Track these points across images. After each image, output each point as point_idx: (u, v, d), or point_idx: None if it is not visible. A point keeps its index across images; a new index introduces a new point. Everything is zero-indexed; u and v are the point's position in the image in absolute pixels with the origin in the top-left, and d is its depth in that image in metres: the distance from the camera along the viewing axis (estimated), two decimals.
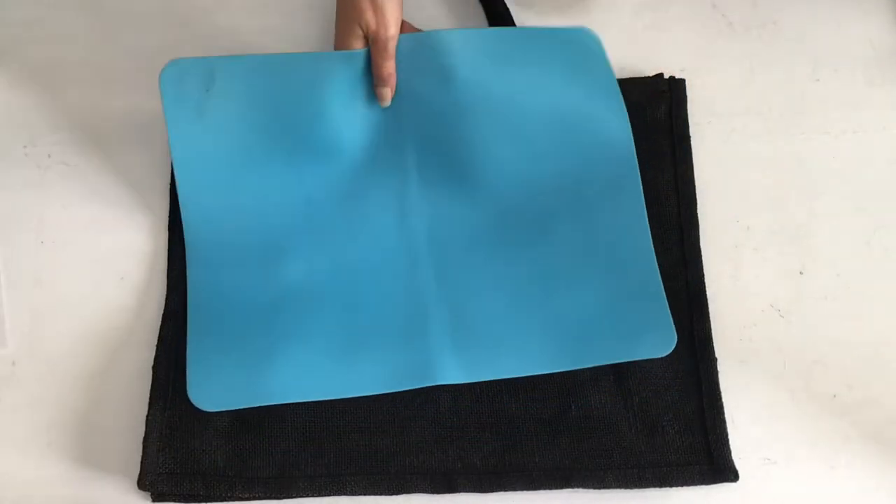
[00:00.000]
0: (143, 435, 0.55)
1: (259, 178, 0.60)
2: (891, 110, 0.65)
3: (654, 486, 0.55)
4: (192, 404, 0.55)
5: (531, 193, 0.60)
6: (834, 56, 0.67)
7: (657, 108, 0.63)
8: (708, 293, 0.59)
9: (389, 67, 0.58)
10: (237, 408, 0.55)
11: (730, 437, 0.56)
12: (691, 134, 0.63)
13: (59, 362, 0.59)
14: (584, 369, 0.57)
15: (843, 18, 0.68)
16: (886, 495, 0.56)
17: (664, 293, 0.57)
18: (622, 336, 0.57)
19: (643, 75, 0.65)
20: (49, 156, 0.64)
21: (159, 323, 0.59)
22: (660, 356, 0.56)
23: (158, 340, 0.58)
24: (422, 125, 0.60)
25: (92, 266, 0.61)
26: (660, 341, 0.56)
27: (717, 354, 0.58)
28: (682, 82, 0.64)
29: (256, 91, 0.60)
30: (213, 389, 0.56)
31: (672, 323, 0.56)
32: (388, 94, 0.59)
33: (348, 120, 0.59)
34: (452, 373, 0.56)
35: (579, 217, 0.60)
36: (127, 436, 0.57)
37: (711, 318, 0.59)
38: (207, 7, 0.68)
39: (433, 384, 0.55)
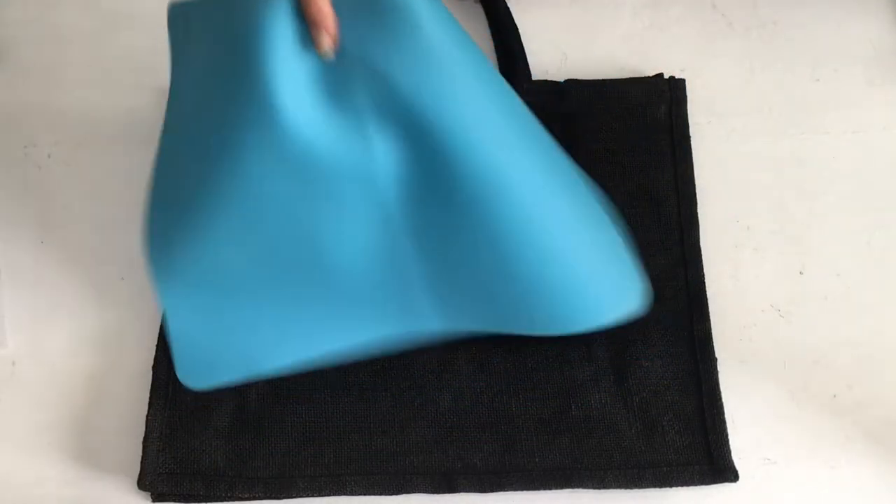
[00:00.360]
0: (142, 435, 0.55)
1: (219, 136, 0.54)
2: (891, 110, 0.65)
3: (654, 486, 0.55)
4: (191, 404, 0.55)
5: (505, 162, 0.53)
6: (834, 56, 0.67)
7: (657, 108, 0.63)
8: (708, 293, 0.59)
9: (317, 3, 0.47)
10: (226, 381, 0.55)
11: (730, 437, 0.56)
12: (691, 134, 0.64)
13: (59, 362, 0.59)
14: (583, 369, 0.57)
15: (843, 18, 0.68)
16: (886, 495, 0.56)
17: (627, 251, 0.56)
18: (601, 297, 0.55)
19: (643, 75, 0.65)
20: (49, 156, 0.64)
21: (159, 322, 0.58)
22: (637, 312, 0.55)
23: (158, 340, 0.58)
24: (378, 79, 0.50)
25: (92, 266, 0.61)
26: (633, 295, 0.55)
27: (717, 354, 0.58)
28: (682, 82, 0.64)
29: (209, 38, 0.55)
30: (199, 367, 0.55)
31: (640, 274, 0.56)
32: (325, 40, 0.48)
33: (289, 72, 0.49)
34: (431, 319, 0.54)
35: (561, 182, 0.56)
36: (127, 436, 0.57)
37: (711, 318, 0.59)
38: None
39: (413, 329, 0.55)
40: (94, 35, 0.67)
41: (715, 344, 0.58)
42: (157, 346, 0.58)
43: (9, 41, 0.67)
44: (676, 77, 0.65)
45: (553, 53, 0.67)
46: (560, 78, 0.65)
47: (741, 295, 0.61)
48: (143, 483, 0.54)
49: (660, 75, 0.65)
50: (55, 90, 0.66)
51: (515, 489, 0.55)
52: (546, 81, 0.64)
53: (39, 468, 0.57)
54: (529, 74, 0.64)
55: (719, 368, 0.57)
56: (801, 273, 0.61)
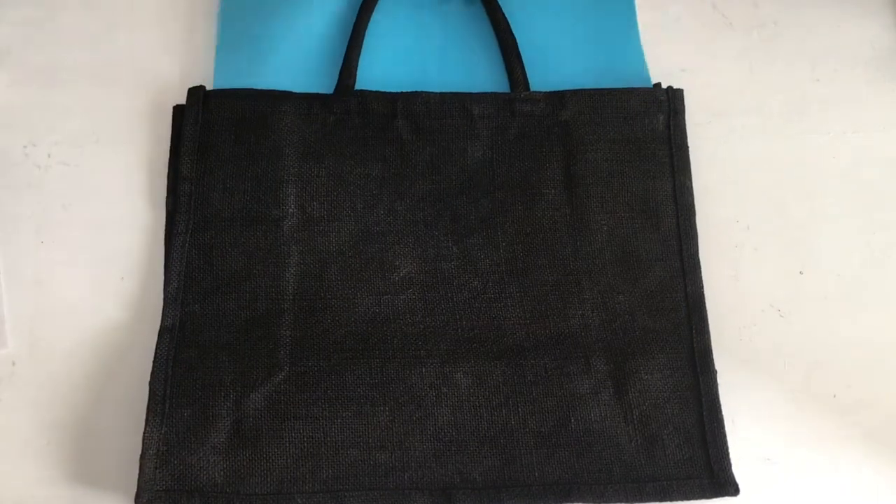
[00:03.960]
0: (141, 433, 0.55)
1: None
2: (891, 110, 0.65)
3: (655, 500, 0.54)
4: (188, 420, 0.55)
5: None
6: (834, 56, 0.67)
7: (655, 118, 0.63)
8: (708, 293, 0.59)
9: None
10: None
11: (729, 437, 0.56)
12: (691, 134, 0.63)
13: (59, 362, 0.59)
14: (582, 382, 0.56)
15: (843, 18, 0.68)
16: (886, 495, 0.56)
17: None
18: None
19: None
20: (49, 156, 0.64)
21: (158, 326, 0.58)
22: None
23: (154, 357, 0.57)
24: None
25: (92, 266, 0.61)
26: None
27: (716, 354, 0.58)
28: (680, 92, 0.64)
29: None
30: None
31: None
32: None
33: None
34: None
35: None
36: (126, 435, 0.57)
37: (711, 319, 0.58)
38: (207, 7, 0.68)
39: None
40: (94, 35, 0.67)
41: (714, 344, 0.58)
42: (154, 362, 0.56)
43: (9, 41, 0.67)
44: (675, 87, 0.64)
45: None
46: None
47: (741, 295, 0.61)
48: (141, 501, 0.53)
49: (657, 85, 0.64)
50: (55, 90, 0.66)
51: (515, 503, 0.54)
52: (544, 93, 0.63)
53: (39, 468, 0.57)
54: (527, 84, 0.64)
55: (719, 369, 0.57)
56: (801, 273, 0.61)
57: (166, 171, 0.63)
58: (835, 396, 0.58)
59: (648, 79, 0.65)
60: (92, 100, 0.65)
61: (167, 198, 0.62)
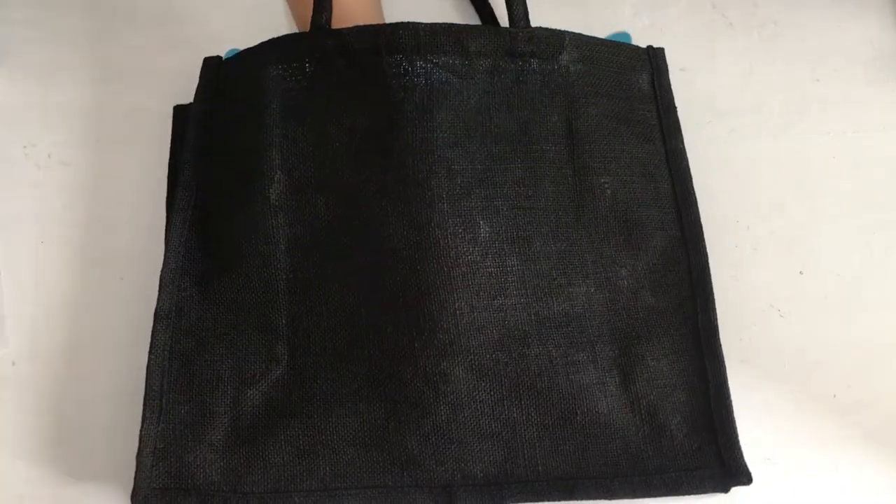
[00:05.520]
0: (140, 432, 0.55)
1: None
2: (891, 110, 0.65)
3: (663, 493, 0.53)
4: (185, 418, 0.54)
5: None
6: (834, 56, 0.67)
7: (639, 76, 0.61)
8: None
9: None
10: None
11: None
12: (690, 135, 0.63)
13: (58, 362, 0.59)
14: (588, 372, 0.55)
15: (843, 18, 0.68)
16: (886, 495, 0.56)
17: None
18: None
19: None
20: (49, 156, 0.64)
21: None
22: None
23: (150, 345, 0.55)
24: None
25: (92, 266, 0.61)
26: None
27: None
28: (661, 51, 0.62)
29: None
30: None
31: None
32: None
33: None
34: None
35: None
36: (126, 435, 0.57)
37: None
38: (206, 7, 0.68)
39: None
40: (94, 35, 0.67)
41: None
42: (150, 352, 0.55)
43: (9, 41, 0.67)
44: (655, 47, 0.63)
45: None
46: None
47: (741, 295, 0.61)
48: (137, 499, 0.53)
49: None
50: (55, 90, 0.66)
51: (518, 501, 0.53)
52: (547, 28, 0.59)
53: (38, 467, 0.57)
54: (528, 23, 0.59)
55: None
56: (801, 273, 0.61)
57: (166, 171, 0.63)
58: (835, 396, 0.58)
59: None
60: (92, 100, 0.65)
61: (167, 197, 0.62)
